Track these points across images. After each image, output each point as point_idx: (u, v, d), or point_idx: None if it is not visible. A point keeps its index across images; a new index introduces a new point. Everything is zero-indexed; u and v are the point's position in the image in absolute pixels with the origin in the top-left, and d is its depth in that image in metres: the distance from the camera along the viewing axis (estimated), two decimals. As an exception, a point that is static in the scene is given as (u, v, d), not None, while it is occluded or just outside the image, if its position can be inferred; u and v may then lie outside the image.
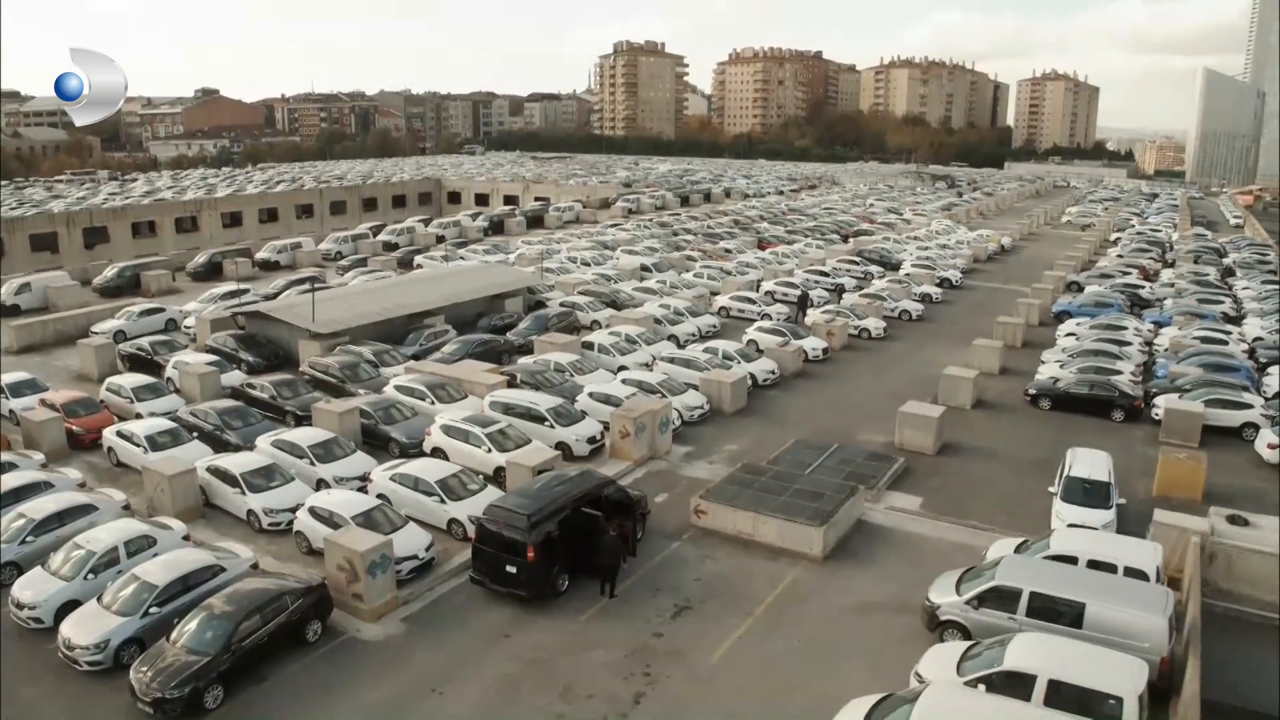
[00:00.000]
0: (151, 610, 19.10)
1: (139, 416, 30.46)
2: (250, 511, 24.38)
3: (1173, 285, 60.26)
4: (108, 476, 27.47)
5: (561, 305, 46.48)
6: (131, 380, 32.92)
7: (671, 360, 37.82)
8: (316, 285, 40.52)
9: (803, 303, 50.11)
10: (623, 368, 37.18)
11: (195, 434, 28.58)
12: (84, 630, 18.62)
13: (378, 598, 20.61)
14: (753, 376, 37.26)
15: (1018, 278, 66.44)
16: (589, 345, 39.42)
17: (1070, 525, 23.99)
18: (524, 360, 37.37)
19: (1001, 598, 19.57)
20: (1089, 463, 26.80)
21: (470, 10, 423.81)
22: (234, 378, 34.61)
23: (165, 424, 28.49)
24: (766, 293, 52.84)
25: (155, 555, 20.82)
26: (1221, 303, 54.09)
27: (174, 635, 18.21)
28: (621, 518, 22.49)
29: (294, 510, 23.98)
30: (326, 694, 18.06)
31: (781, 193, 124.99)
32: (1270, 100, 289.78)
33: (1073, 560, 21.02)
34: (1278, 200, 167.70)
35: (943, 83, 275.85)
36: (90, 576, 20.34)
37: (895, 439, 31.94)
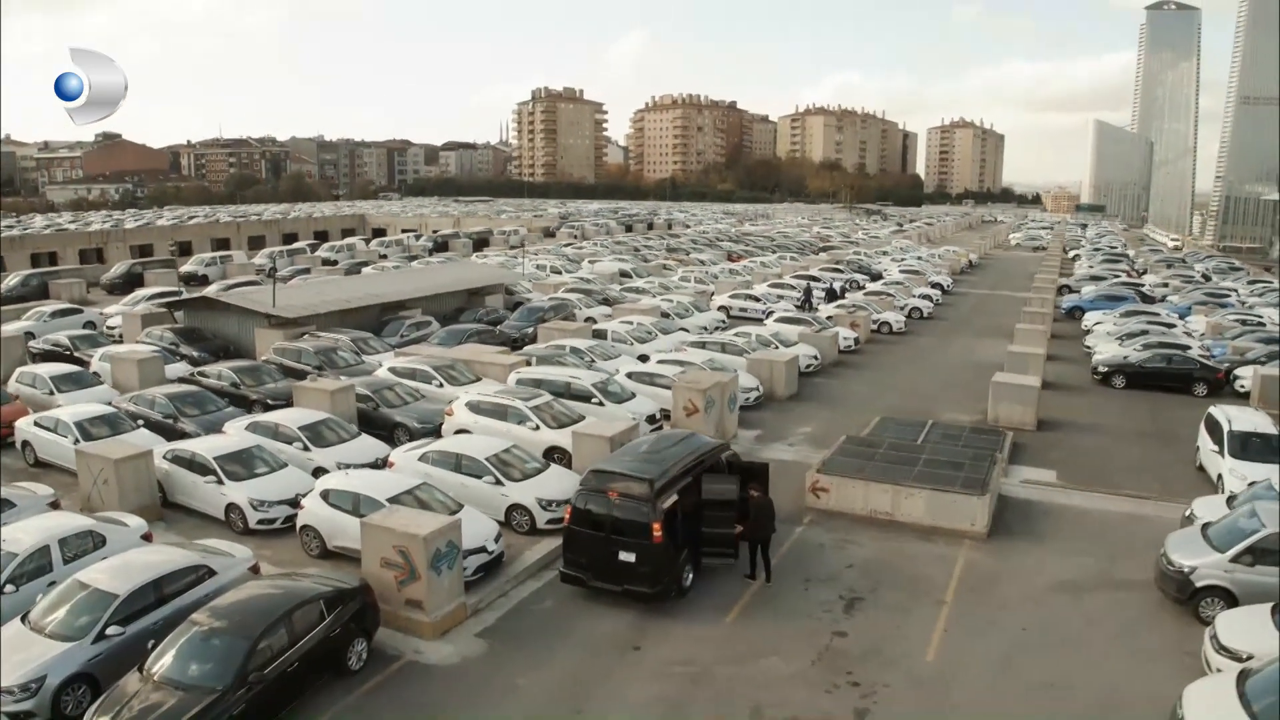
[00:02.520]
0: (109, 632, 12.57)
1: (59, 411, 23.36)
2: (232, 506, 17.88)
3: (1167, 285, 58.70)
4: (23, 478, 20.41)
5: (552, 299, 40.79)
6: (50, 369, 25.83)
7: (703, 345, 32.56)
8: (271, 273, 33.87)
9: (808, 296, 46.02)
10: (644, 356, 31.76)
11: (140, 423, 21.82)
12: (5, 664, 11.95)
13: (444, 604, 14.47)
14: (795, 362, 32.28)
15: (1003, 285, 64.79)
16: (600, 334, 33.90)
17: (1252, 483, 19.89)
18: (532, 347, 31.57)
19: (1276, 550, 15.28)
20: (1247, 418, 23.26)
21: (379, 63, 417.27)
22: (178, 370, 27.78)
23: (100, 409, 21.71)
24: (764, 293, 48.38)
25: (105, 560, 14.23)
26: (1228, 295, 52.53)
27: (150, 664, 11.78)
28: (755, 487, 16.96)
29: (294, 502, 17.63)
30: (397, 741, 11.85)
31: (719, 225, 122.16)
32: (1158, 150, 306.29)
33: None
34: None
35: (856, 130, 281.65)
36: (10, 589, 13.69)
37: (989, 414, 27.49)
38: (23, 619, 12.94)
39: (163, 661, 11.74)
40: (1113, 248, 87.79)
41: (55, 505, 17.17)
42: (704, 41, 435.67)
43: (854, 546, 18.20)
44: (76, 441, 19.95)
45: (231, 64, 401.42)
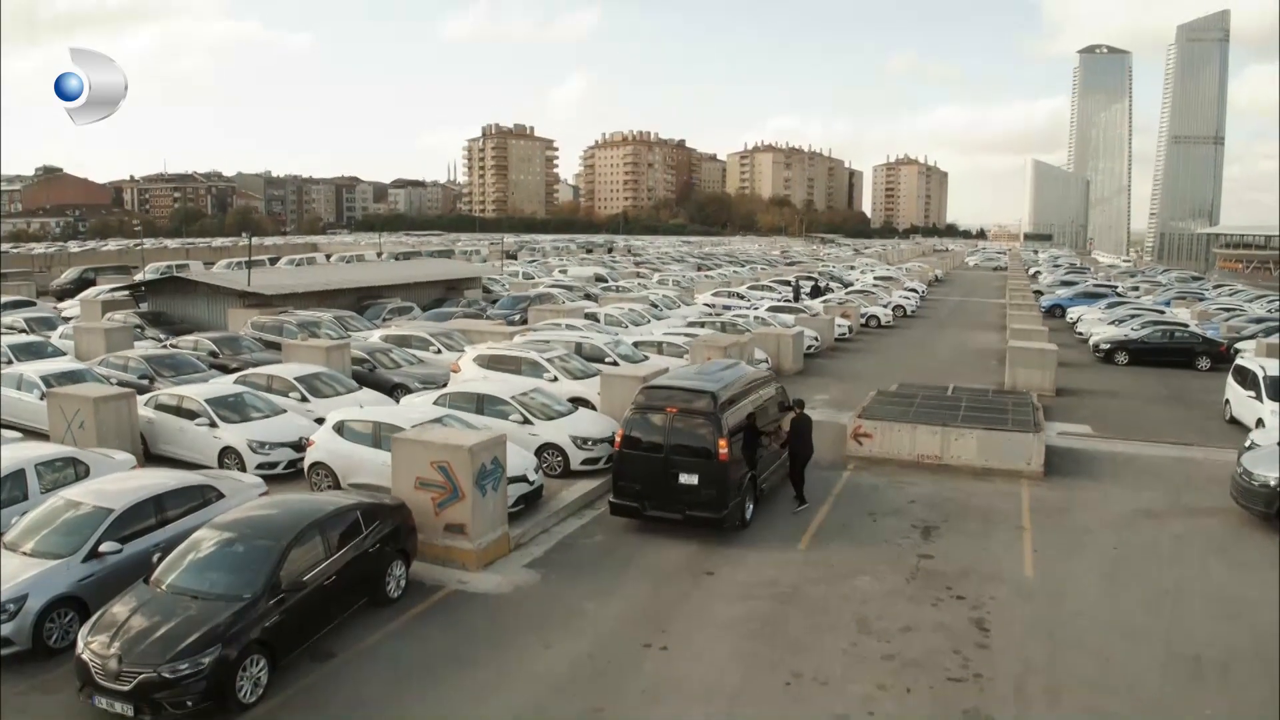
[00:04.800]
0: (103, 548, 10.64)
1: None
2: (227, 451, 15.95)
3: (1137, 289, 59.46)
4: (-22, 436, 18.22)
5: (537, 292, 39.34)
6: (7, 340, 23.54)
7: (702, 325, 31.33)
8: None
9: (796, 294, 45.28)
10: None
11: (114, 382, 19.72)
12: (-23, 584, 9.98)
13: (488, 530, 12.77)
14: (797, 342, 31.19)
15: (974, 294, 65.24)
16: (592, 318, 32.47)
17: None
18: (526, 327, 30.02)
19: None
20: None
21: (324, 107, 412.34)
22: (147, 347, 25.58)
23: (69, 365, 19.70)
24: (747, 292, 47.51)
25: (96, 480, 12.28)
26: (1202, 295, 53.34)
27: (159, 573, 9.92)
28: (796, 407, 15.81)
29: (297, 446, 15.81)
30: (463, 669, 10.10)
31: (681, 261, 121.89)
32: (1094, 188, 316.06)
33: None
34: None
35: (804, 167, 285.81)
36: (-19, 515, 11.68)
37: (1006, 381, 26.67)
38: (-2, 540, 10.97)
39: (176, 571, 9.89)
40: (1072, 264, 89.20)
41: (25, 449, 15.07)
42: (644, 88, 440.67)
43: (910, 486, 16.94)
44: (43, 397, 17.83)
45: (172, 104, 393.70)
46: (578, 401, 19.19)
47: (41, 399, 17.71)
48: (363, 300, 32.89)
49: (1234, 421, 22.69)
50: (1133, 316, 37.16)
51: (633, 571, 12.74)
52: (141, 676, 8.56)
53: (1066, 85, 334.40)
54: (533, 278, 53.26)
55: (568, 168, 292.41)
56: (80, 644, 9.13)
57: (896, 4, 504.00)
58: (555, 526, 14.41)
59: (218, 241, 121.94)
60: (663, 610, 11.53)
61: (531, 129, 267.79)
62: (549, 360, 20.21)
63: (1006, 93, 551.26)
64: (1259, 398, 21.49)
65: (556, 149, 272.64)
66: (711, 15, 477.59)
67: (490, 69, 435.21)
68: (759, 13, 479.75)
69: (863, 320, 41.50)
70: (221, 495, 12.22)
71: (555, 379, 19.83)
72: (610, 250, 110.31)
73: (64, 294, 46.69)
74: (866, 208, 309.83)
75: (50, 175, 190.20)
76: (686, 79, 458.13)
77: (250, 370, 19.74)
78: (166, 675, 8.57)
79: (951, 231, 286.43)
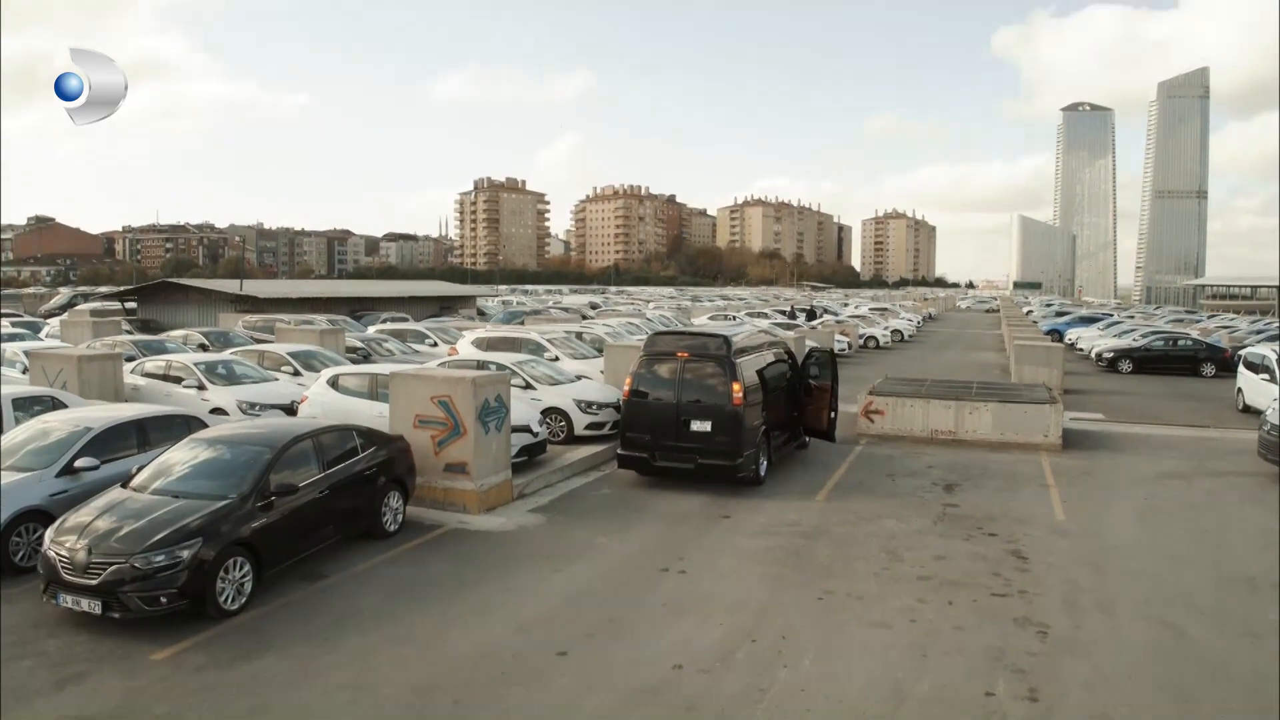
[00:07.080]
0: (79, 464, 9.92)
1: None
2: (216, 413, 15.19)
3: (1133, 316, 59.52)
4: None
5: (532, 309, 38.95)
6: (-14, 327, 22.94)
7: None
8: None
9: (792, 316, 44.97)
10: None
11: (99, 360, 19.05)
12: (-57, 494, 9.23)
13: (491, 472, 12.06)
14: (798, 350, 30.76)
15: (969, 327, 64.92)
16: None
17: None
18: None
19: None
20: (1288, 352, 22.26)
21: (315, 167, 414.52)
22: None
23: (54, 343, 18.99)
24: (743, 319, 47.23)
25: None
26: (1199, 320, 53.35)
27: (139, 480, 9.21)
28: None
29: (289, 409, 15.13)
30: (466, 587, 9.35)
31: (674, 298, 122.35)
32: (1080, 243, 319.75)
33: None
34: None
35: (794, 221, 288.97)
36: (-49, 442, 10.92)
37: (1012, 379, 26.06)
38: (-32, 458, 10.23)
39: (157, 476, 9.19)
40: (1064, 304, 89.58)
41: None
42: (633, 149, 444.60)
43: (926, 455, 16.35)
44: (25, 370, 17.16)
45: (168, 160, 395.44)
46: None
47: (24, 373, 17.04)
48: (356, 312, 32.39)
49: (1248, 410, 22.25)
50: (1133, 330, 36.90)
51: (645, 515, 12.03)
52: (112, 568, 7.81)
53: (1047, 144, 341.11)
54: (526, 305, 52.93)
55: (558, 224, 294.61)
56: (47, 541, 8.38)
57: (875, 68, 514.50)
58: (560, 482, 13.71)
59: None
60: (680, 543, 10.82)
61: (523, 182, 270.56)
62: (550, 340, 19.67)
63: (988, 151, 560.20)
64: (1273, 380, 21.20)
65: (548, 202, 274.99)
66: (699, 79, 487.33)
67: (482, 129, 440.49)
68: (744, 76, 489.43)
69: (861, 341, 41.15)
70: (205, 426, 11.52)
71: (556, 358, 19.25)
72: (603, 293, 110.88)
73: (52, 316, 46.08)
74: (856, 261, 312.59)
75: (42, 225, 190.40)
76: (674, 141, 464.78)
77: (242, 348, 19.12)
78: (139, 565, 7.82)
79: (941, 284, 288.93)
